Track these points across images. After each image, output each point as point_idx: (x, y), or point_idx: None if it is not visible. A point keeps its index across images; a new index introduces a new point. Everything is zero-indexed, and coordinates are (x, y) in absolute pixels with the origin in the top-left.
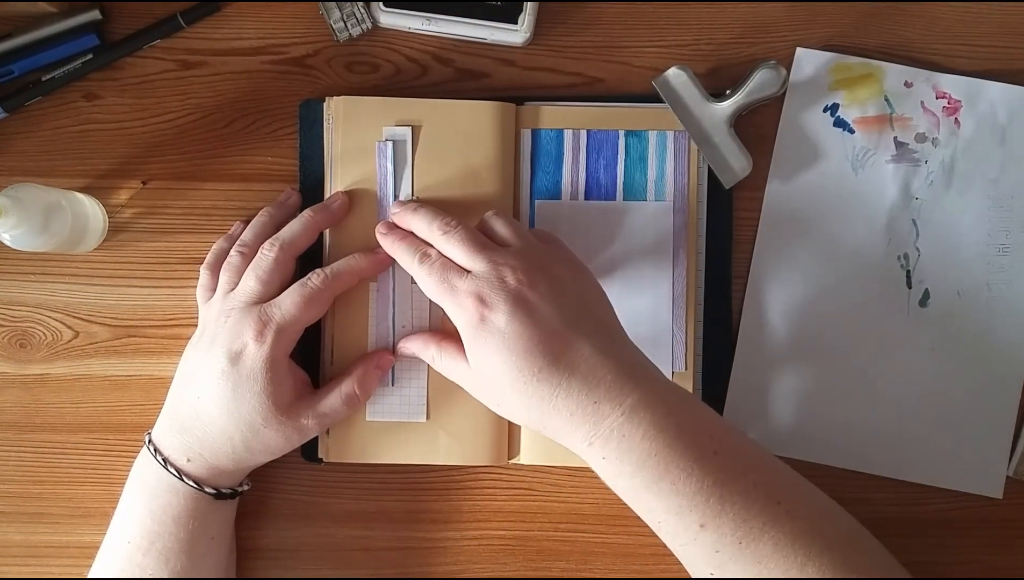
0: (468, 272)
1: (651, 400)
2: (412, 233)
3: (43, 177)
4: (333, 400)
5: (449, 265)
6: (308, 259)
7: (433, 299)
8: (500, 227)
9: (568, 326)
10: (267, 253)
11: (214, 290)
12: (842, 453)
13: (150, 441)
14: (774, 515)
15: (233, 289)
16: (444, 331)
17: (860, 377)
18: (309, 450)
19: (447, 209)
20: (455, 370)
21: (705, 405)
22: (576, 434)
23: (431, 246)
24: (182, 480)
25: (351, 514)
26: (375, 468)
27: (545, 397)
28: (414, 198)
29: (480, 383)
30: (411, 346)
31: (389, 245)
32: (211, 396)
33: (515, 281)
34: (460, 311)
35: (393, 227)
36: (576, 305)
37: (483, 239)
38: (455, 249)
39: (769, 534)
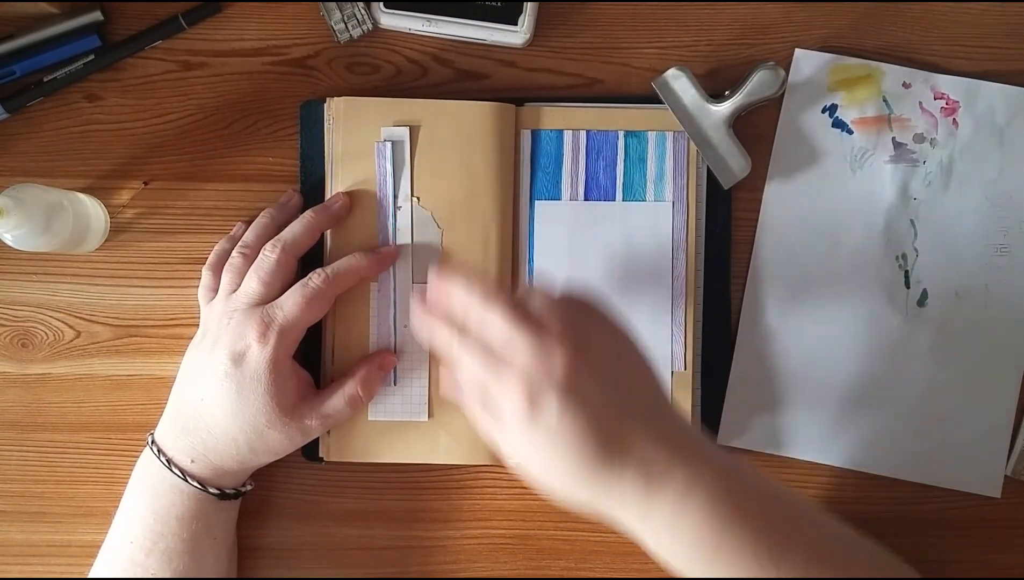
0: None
1: (705, 476)
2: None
3: (45, 177)
4: (336, 401)
5: (490, 347)
6: (309, 260)
7: (472, 384)
8: (537, 302)
9: (619, 412)
10: (269, 254)
11: (216, 291)
12: (841, 453)
13: (153, 442)
14: None
15: (235, 290)
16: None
17: (859, 377)
18: (310, 449)
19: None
20: (497, 436)
21: (754, 470)
22: (628, 514)
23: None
24: (186, 481)
25: (352, 513)
26: (376, 467)
27: (598, 490)
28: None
29: (529, 465)
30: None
31: (420, 323)
32: (214, 398)
33: (562, 369)
34: (507, 399)
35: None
36: (625, 384)
37: (524, 312)
38: (495, 321)
39: None
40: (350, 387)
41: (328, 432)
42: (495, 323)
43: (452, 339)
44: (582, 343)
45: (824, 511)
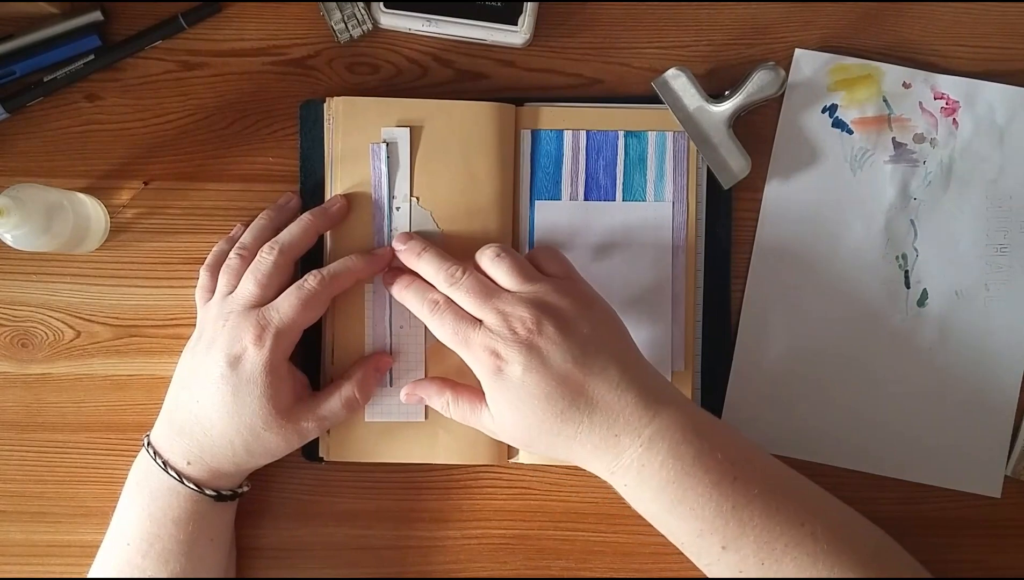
0: (479, 322)
1: (669, 428)
2: (418, 276)
3: (45, 177)
4: (333, 404)
5: (460, 315)
6: (309, 262)
7: (447, 346)
8: (503, 270)
9: (582, 365)
10: (266, 256)
11: (213, 292)
12: (841, 452)
13: (149, 443)
14: (796, 537)
15: (232, 291)
16: (455, 380)
17: (859, 377)
18: (310, 449)
19: (448, 210)
20: (471, 417)
21: (726, 426)
22: (599, 463)
23: (438, 291)
24: (182, 483)
25: (351, 513)
26: (375, 467)
27: (569, 435)
28: (412, 233)
29: (503, 428)
30: (422, 391)
31: (397, 292)
32: (211, 400)
33: (525, 330)
34: (476, 363)
35: (398, 272)
36: (588, 341)
37: (488, 286)
38: (463, 300)
39: (791, 555)
40: (347, 390)
41: (328, 432)
42: (462, 296)
43: (423, 305)
44: (544, 306)
45: (790, 468)
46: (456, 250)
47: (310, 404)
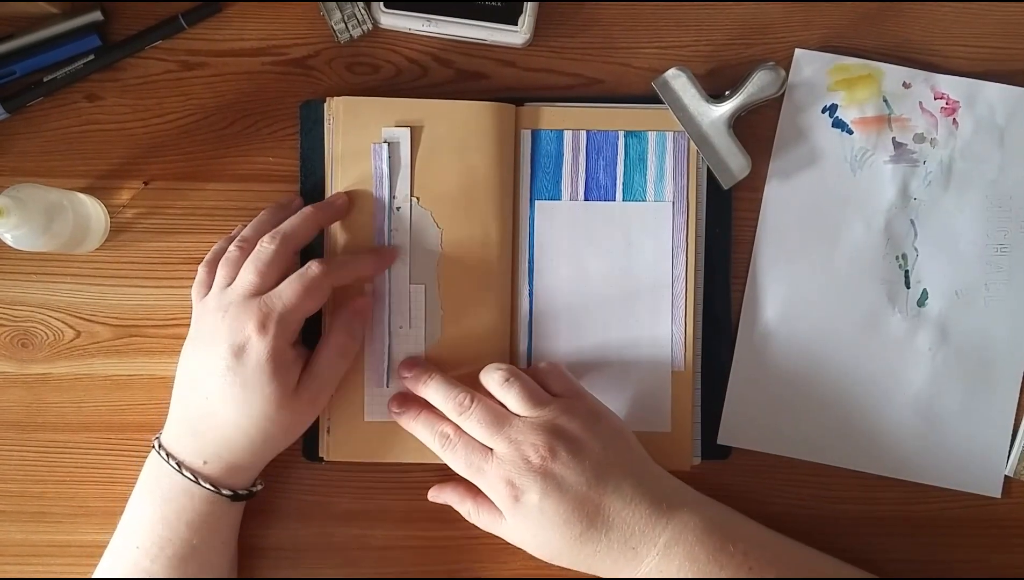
0: (490, 450)
1: (683, 532)
2: (426, 403)
3: (45, 177)
4: (326, 355)
5: (472, 446)
6: (309, 256)
7: (462, 475)
8: (512, 396)
9: (596, 486)
10: (266, 245)
11: (210, 287)
12: (842, 453)
13: (160, 446)
14: None
15: (230, 284)
16: (476, 489)
17: (859, 377)
18: (310, 449)
19: (448, 210)
20: (494, 526)
21: (739, 517)
22: (621, 574)
23: (448, 423)
24: (198, 483)
25: (351, 513)
26: (376, 467)
27: (588, 554)
28: (416, 358)
29: (525, 546)
30: (446, 496)
31: (406, 423)
32: (220, 395)
33: (538, 458)
34: (493, 492)
35: (405, 400)
36: (600, 461)
37: (499, 413)
38: (474, 429)
39: None
40: (334, 338)
41: (328, 431)
42: (474, 426)
43: (434, 439)
44: (555, 431)
45: (811, 549)
46: (455, 250)
47: (307, 371)
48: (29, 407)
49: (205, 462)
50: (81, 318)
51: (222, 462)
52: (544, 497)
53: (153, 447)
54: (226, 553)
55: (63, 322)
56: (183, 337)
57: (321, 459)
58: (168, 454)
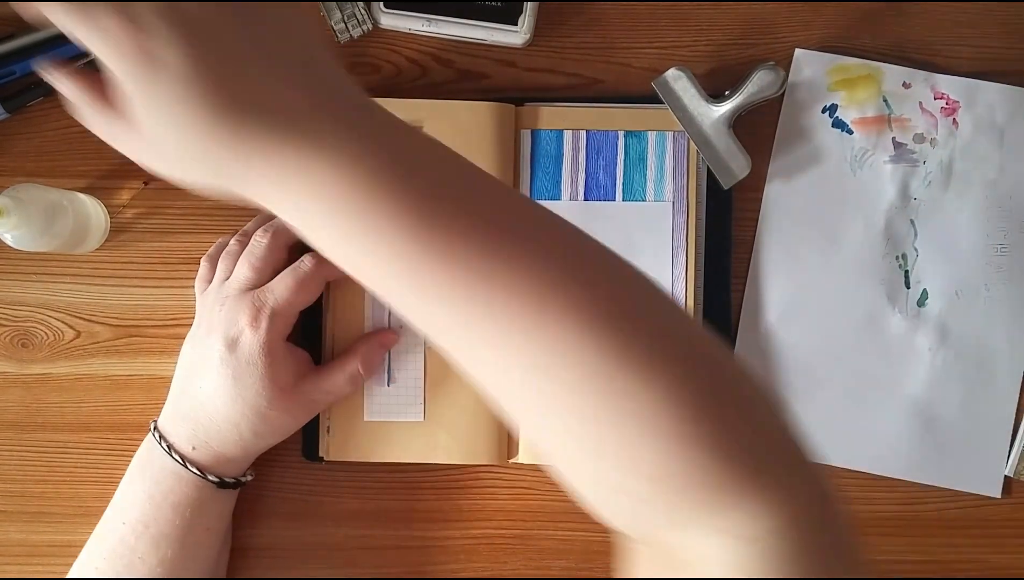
0: None
1: (360, 136)
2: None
3: (45, 177)
4: (337, 378)
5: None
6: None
7: (69, 29)
8: None
9: (260, 60)
10: (260, 240)
11: (211, 281)
12: (841, 453)
13: (156, 428)
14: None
15: (229, 277)
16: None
17: (859, 377)
18: (310, 449)
19: None
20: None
21: (424, 140)
22: (264, 180)
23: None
24: (186, 467)
25: (351, 513)
26: (375, 467)
27: (230, 152)
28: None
29: (153, 144)
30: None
31: None
32: (213, 385)
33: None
34: (111, 56)
35: None
36: (270, 32)
37: None
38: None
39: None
40: (351, 365)
41: (328, 431)
42: None
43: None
44: None
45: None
46: None
47: (314, 378)
48: (29, 407)
49: (194, 448)
50: (81, 318)
51: (211, 451)
52: (188, 49)
53: (150, 428)
54: (213, 540)
55: (63, 322)
56: (183, 337)
57: (321, 459)
58: (161, 436)
